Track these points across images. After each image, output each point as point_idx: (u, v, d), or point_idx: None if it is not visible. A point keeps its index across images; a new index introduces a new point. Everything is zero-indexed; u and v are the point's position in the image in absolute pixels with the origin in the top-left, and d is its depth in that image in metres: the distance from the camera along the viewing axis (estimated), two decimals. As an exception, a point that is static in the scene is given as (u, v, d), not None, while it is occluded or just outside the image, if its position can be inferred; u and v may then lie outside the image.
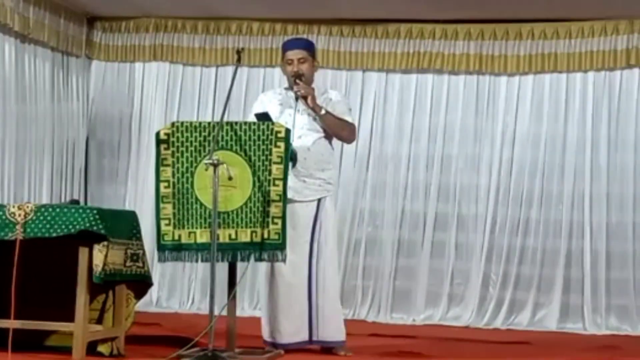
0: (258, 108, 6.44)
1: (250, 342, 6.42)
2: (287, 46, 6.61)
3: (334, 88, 7.93)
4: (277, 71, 8.94)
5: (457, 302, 8.98)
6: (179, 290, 9.35)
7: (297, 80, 6.39)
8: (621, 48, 8.73)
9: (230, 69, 9.09)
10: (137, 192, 9.45)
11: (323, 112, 6.38)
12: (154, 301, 9.16)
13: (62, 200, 8.98)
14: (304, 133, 6.37)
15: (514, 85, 9.03)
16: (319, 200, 6.40)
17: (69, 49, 9.23)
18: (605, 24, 8.74)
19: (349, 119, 6.56)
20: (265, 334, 6.36)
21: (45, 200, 8.72)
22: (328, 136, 6.49)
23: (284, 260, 6.00)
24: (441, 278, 9.02)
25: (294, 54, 6.47)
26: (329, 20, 9.18)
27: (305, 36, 8.72)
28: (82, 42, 9.45)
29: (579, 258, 8.80)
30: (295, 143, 6.20)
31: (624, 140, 8.80)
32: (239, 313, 6.48)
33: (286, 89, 6.59)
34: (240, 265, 6.07)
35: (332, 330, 6.37)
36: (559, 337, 8.27)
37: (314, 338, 6.34)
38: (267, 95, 6.73)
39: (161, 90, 9.55)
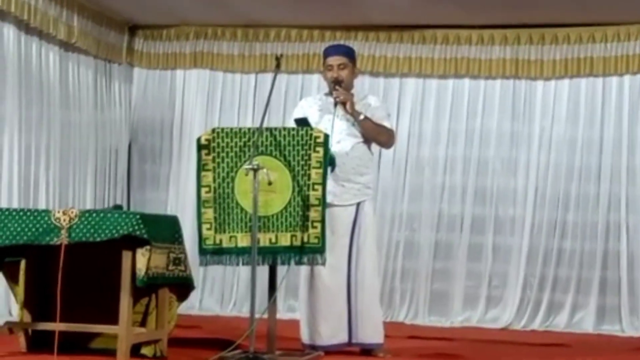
0: (298, 114, 6.49)
1: (290, 345, 6.44)
2: (328, 52, 6.65)
3: (372, 93, 7.97)
4: (316, 77, 9.05)
5: (494, 304, 9.02)
6: (220, 293, 9.46)
7: (337, 86, 6.42)
8: (657, 51, 8.76)
9: (269, 76, 9.17)
10: (179, 197, 9.56)
11: (362, 117, 6.41)
12: (196, 304, 9.25)
13: (106, 205, 9.08)
14: (343, 138, 6.40)
15: (550, 89, 9.07)
16: (358, 204, 6.43)
17: (112, 57, 9.40)
18: (642, 28, 8.79)
19: (387, 124, 6.58)
20: (305, 337, 6.38)
21: (89, 205, 8.86)
22: (367, 141, 6.51)
23: (323, 264, 6.02)
24: (479, 280, 9.07)
25: (334, 60, 6.51)
26: (365, 26, 9.25)
27: (342, 42, 8.76)
28: (124, 50, 9.61)
29: (616, 260, 8.81)
30: (334, 148, 6.22)
31: (660, 142, 8.83)
32: (278, 316, 6.48)
33: (326, 94, 6.62)
34: (280, 269, 6.11)
35: (371, 332, 6.39)
36: (596, 339, 8.30)
37: (353, 340, 6.36)
38: (307, 101, 6.78)
39: (202, 97, 9.68)
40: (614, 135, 8.90)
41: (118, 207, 6.44)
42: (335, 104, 6.45)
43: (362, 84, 8.72)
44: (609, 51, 8.86)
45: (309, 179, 5.94)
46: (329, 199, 6.06)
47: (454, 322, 8.97)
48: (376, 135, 6.54)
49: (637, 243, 8.78)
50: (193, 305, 9.07)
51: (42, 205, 8.15)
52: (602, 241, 8.85)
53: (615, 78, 8.91)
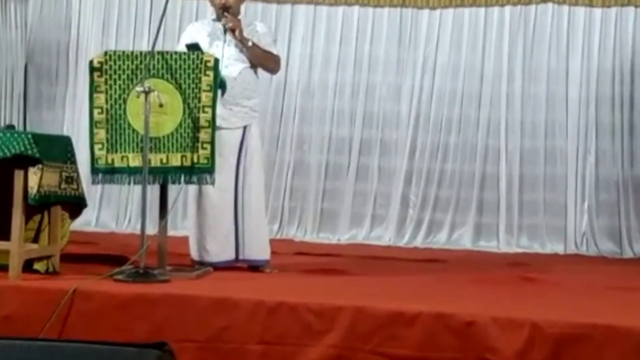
0: (186, 39, 6.57)
1: (180, 261, 6.59)
2: (215, -22, 6.71)
3: (263, 21, 8.10)
4: (210, 2, 9.16)
5: (379, 222, 9.31)
6: (116, 211, 9.60)
7: (225, 13, 6.53)
8: (537, -17, 9.01)
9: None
10: (75, 118, 9.62)
11: (250, 44, 6.54)
12: (93, 220, 9.42)
13: (3, 124, 9.15)
14: (231, 63, 6.50)
15: (435, 18, 9.30)
16: (245, 127, 6.59)
17: (7, -22, 9.35)
18: (522, -41, 9.04)
19: (274, 50, 6.73)
20: (194, 253, 6.56)
21: (-15, 125, 8.88)
22: (253, 66, 6.64)
23: (212, 184, 6.20)
24: (365, 200, 9.34)
25: None
26: (259, -48, 9.35)
27: (235, -32, 8.91)
28: (19, -29, 9.56)
29: (495, 181, 9.15)
30: (222, 73, 6.31)
31: (537, 71, 9.13)
32: (171, 233, 6.69)
33: (214, 20, 6.73)
34: (174, 189, 6.31)
35: (257, 250, 6.59)
36: (474, 255, 8.61)
37: (240, 257, 6.55)
38: (195, 26, 6.86)
39: (98, 19, 9.70)
40: (494, 63, 9.19)
41: (10, 127, 6.46)
42: (225, 31, 6.55)
43: (254, 12, 8.92)
44: (491, -18, 9.14)
45: (199, 101, 6.08)
46: (217, 122, 6.20)
47: (340, 239, 9.25)
48: (264, 61, 6.69)
49: (515, 166, 9.12)
50: (89, 222, 9.25)
51: (-64, 127, 8.16)
52: (481, 163, 9.19)
53: (497, 8, 9.18)
